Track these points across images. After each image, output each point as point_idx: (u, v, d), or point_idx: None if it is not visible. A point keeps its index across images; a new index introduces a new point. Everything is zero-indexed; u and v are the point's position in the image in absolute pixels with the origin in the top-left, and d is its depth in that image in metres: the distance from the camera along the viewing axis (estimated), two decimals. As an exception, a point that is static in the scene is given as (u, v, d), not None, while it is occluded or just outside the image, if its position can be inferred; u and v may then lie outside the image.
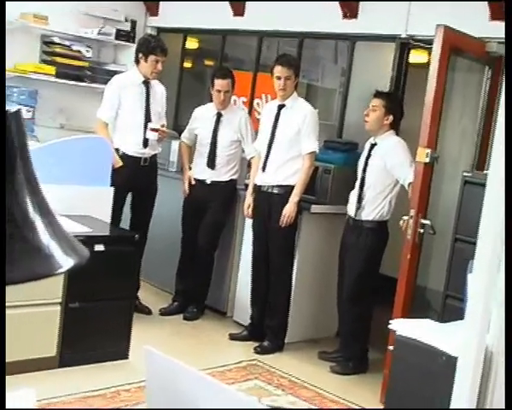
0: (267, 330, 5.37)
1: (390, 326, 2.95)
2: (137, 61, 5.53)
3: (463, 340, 2.54)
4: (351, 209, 5.06)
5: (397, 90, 5.65)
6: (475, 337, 2.54)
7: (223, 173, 5.71)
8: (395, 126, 5.10)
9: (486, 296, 2.62)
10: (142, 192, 5.63)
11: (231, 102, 5.94)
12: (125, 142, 5.49)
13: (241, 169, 5.87)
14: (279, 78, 5.19)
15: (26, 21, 6.57)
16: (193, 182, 5.72)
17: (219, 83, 5.61)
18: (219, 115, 5.70)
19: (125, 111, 5.50)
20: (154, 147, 5.61)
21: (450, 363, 2.66)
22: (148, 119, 5.51)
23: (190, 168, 5.84)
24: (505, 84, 2.39)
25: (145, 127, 5.47)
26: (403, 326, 2.92)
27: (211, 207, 5.68)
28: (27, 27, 6.64)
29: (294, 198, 5.14)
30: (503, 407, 2.60)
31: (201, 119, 5.79)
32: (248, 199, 5.44)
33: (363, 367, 5.11)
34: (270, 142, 5.26)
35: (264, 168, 5.26)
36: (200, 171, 5.74)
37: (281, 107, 5.28)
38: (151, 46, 5.48)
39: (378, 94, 5.08)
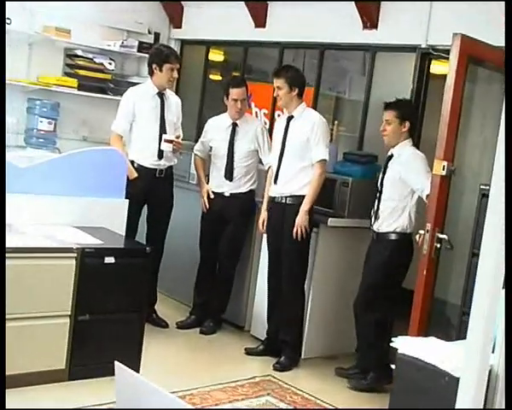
0: (282, 345, 5.28)
1: (392, 344, 2.85)
2: (151, 73, 5.50)
3: (464, 359, 2.44)
4: (372, 222, 4.97)
5: (418, 100, 5.54)
6: (477, 356, 2.43)
7: (241, 185, 5.65)
8: (412, 133, 5.00)
9: (489, 313, 2.52)
10: (158, 204, 5.59)
11: (246, 113, 5.88)
12: (140, 154, 5.46)
13: (259, 180, 5.80)
14: (274, 89, 5.20)
15: (49, 35, 6.61)
16: (211, 196, 5.67)
17: (235, 92, 5.57)
18: (235, 125, 5.65)
19: (139, 123, 5.48)
20: (170, 159, 5.57)
21: (452, 384, 2.56)
22: (162, 130, 5.48)
23: (207, 181, 5.79)
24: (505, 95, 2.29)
25: (160, 139, 5.43)
26: (406, 344, 2.82)
27: (231, 219, 5.63)
28: (50, 40, 6.68)
29: (305, 207, 5.06)
30: (503, 408, 2.49)
31: (216, 130, 5.74)
32: (263, 214, 5.37)
33: (382, 383, 4.96)
34: (280, 153, 5.20)
35: (276, 180, 5.19)
36: (217, 184, 5.68)
37: (290, 118, 5.23)
38: (164, 55, 5.47)
39: (388, 106, 4.99)
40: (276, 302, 5.34)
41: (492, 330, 2.49)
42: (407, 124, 4.91)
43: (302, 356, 5.41)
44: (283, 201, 5.17)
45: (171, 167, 5.62)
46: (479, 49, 4.48)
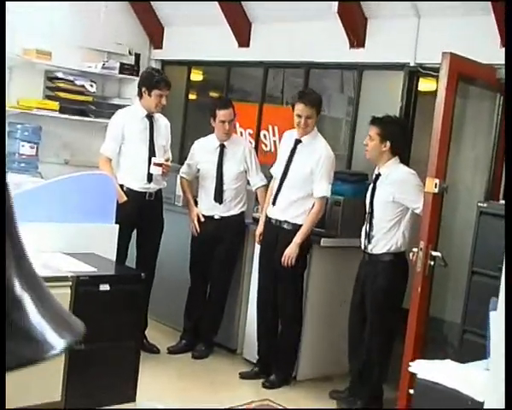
0: (274, 364, 5.24)
1: (410, 369, 2.81)
2: (140, 95, 5.43)
3: (490, 386, 2.41)
4: (363, 244, 4.91)
5: (406, 118, 5.55)
6: (501, 383, 2.40)
7: (232, 207, 5.59)
8: (398, 152, 4.92)
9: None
10: (148, 228, 5.50)
11: (233, 134, 5.81)
12: (129, 177, 5.37)
13: (248, 201, 5.75)
14: (299, 116, 5.03)
15: (30, 57, 6.51)
16: (202, 219, 5.59)
17: (223, 113, 5.51)
18: (222, 147, 5.59)
19: (128, 146, 5.39)
20: (159, 182, 5.49)
21: (475, 408, 2.52)
22: (152, 153, 5.40)
23: (196, 203, 5.72)
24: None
25: (149, 162, 5.36)
26: (424, 368, 2.78)
27: (222, 242, 5.54)
28: (30, 63, 6.58)
29: (297, 239, 5.00)
30: (503, 407, 2.46)
31: (203, 152, 5.65)
32: (261, 226, 5.30)
33: (375, 406, 4.91)
34: (282, 177, 5.13)
35: (274, 202, 5.14)
36: (207, 207, 5.60)
37: (298, 141, 5.16)
38: (155, 80, 5.39)
39: (373, 121, 4.91)
40: (267, 322, 5.30)
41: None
42: (387, 143, 4.80)
43: (297, 378, 5.36)
44: (278, 224, 5.12)
45: (160, 190, 5.55)
46: (468, 67, 4.50)
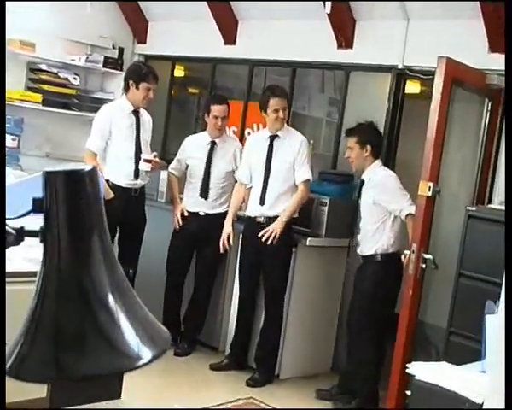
0: (257, 362, 5.29)
1: (408, 370, 2.83)
2: (127, 89, 5.37)
3: (489, 388, 2.44)
4: (356, 247, 4.99)
5: (393, 120, 5.59)
6: (502, 386, 2.43)
7: (217, 205, 5.58)
8: (378, 154, 5.01)
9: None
10: (132, 224, 5.44)
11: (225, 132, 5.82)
12: (115, 173, 5.31)
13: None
14: (277, 110, 5.10)
15: (12, 48, 6.42)
16: (186, 214, 5.57)
17: (217, 108, 5.50)
18: (213, 144, 5.58)
19: (115, 141, 5.33)
20: (144, 177, 5.45)
21: (474, 409, 2.55)
22: (138, 149, 5.36)
23: (181, 200, 5.69)
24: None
25: (136, 157, 5.32)
26: (421, 370, 2.80)
27: (207, 241, 5.52)
28: (13, 54, 6.48)
29: (284, 217, 5.05)
30: (503, 407, 2.50)
31: (194, 148, 5.65)
32: (228, 229, 5.29)
33: (370, 406, 4.93)
34: (266, 174, 5.15)
35: (262, 201, 5.14)
36: (192, 203, 5.59)
37: (273, 137, 5.18)
38: (143, 73, 5.34)
39: (348, 133, 5.07)
40: (246, 318, 5.35)
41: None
42: (368, 147, 4.93)
43: (280, 377, 5.37)
44: (266, 221, 5.12)
45: (144, 186, 5.51)
46: (461, 71, 4.55)
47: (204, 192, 5.54)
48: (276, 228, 5.02)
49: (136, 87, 5.29)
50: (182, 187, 5.76)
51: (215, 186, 5.56)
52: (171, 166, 5.74)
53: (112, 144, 5.33)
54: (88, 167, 0.80)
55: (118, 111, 5.38)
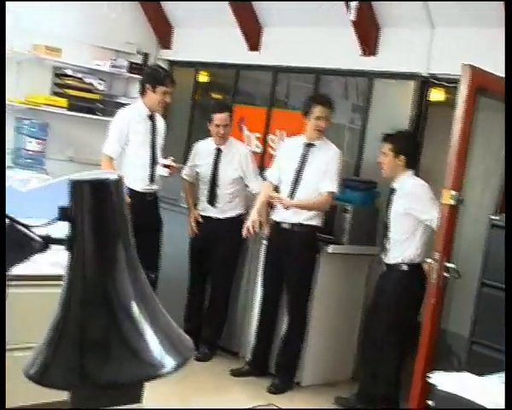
0: (278, 368, 5.29)
1: (430, 380, 2.81)
2: (143, 93, 5.36)
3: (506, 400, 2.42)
4: (382, 254, 4.97)
5: (416, 128, 5.56)
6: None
7: (227, 210, 5.60)
8: (412, 165, 4.99)
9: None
10: (149, 228, 5.45)
11: (230, 138, 5.76)
12: (131, 177, 5.25)
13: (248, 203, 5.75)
14: (319, 118, 5.09)
15: (39, 53, 6.49)
16: (200, 219, 5.60)
17: (218, 117, 5.52)
18: (219, 151, 5.60)
19: (131, 147, 5.33)
20: (158, 182, 5.48)
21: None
22: (154, 154, 5.38)
23: (195, 206, 5.73)
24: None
25: (152, 162, 5.34)
26: (444, 380, 2.78)
27: (219, 245, 5.55)
28: (39, 59, 6.55)
29: (297, 201, 5.06)
30: (503, 407, 2.47)
31: (202, 154, 5.69)
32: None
33: None
34: (295, 181, 5.15)
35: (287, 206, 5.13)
36: (204, 208, 5.65)
37: (308, 146, 5.18)
38: (160, 76, 5.34)
39: (385, 138, 5.00)
40: (268, 324, 5.35)
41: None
42: (402, 158, 4.89)
43: (301, 384, 5.37)
44: (290, 228, 5.12)
45: (157, 191, 5.53)
46: (486, 79, 4.51)
47: (210, 198, 5.57)
48: (286, 202, 5.03)
49: (153, 91, 5.28)
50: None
51: (223, 192, 5.58)
52: (185, 172, 5.77)
53: (128, 149, 5.33)
54: (113, 177, 0.81)
55: (135, 115, 5.38)
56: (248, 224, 5.19)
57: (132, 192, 5.24)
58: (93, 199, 0.81)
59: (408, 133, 5.14)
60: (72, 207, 0.83)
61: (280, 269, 5.20)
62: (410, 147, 4.99)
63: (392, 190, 4.95)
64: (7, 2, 6.10)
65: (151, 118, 5.40)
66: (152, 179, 5.38)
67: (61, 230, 0.91)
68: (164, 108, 5.47)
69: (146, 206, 5.38)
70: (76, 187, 0.83)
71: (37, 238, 0.85)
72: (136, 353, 0.77)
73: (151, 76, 5.41)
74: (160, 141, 5.49)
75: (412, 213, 4.78)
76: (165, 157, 5.42)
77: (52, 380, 0.80)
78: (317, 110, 5.10)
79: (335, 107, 5.19)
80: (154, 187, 5.43)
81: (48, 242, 0.85)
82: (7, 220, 0.83)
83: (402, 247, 4.82)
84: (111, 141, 5.33)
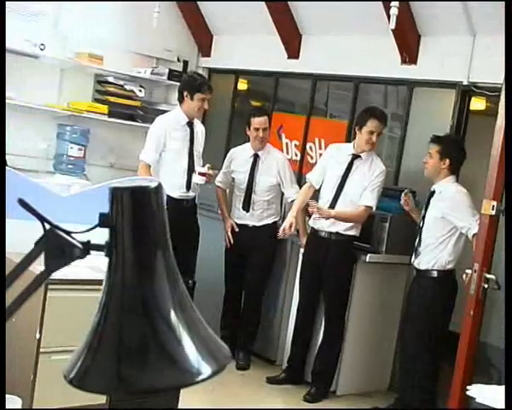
0: (314, 377, 5.29)
1: (468, 393, 2.78)
2: (181, 100, 5.41)
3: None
4: (413, 258, 4.93)
5: (457, 137, 5.51)
6: None
7: (264, 217, 5.61)
8: (455, 170, 4.96)
9: None
10: (186, 235, 5.48)
11: (268, 145, 5.78)
12: (168, 184, 5.28)
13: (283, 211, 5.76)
14: (372, 132, 5.08)
15: (81, 61, 6.59)
16: (236, 229, 5.61)
17: (257, 120, 5.54)
18: (256, 157, 5.60)
19: (169, 153, 5.37)
20: (195, 189, 5.50)
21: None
22: (191, 161, 5.41)
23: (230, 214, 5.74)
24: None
25: (189, 170, 5.36)
26: (482, 393, 2.75)
27: (254, 252, 5.56)
28: (81, 67, 6.65)
29: (333, 212, 5.02)
30: (503, 407, 2.42)
31: (239, 160, 5.69)
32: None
33: None
34: (337, 191, 5.14)
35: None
36: (238, 216, 5.65)
37: (355, 157, 5.17)
38: (197, 84, 5.38)
39: (433, 139, 4.99)
40: (304, 333, 5.35)
41: None
42: (447, 161, 4.88)
43: (336, 392, 5.34)
44: (328, 236, 5.12)
45: (195, 197, 5.56)
46: (528, 88, 4.45)
47: (246, 205, 5.57)
48: (324, 211, 5.00)
49: (191, 98, 5.33)
50: (231, 199, 5.81)
51: (259, 199, 5.58)
52: (218, 179, 5.75)
53: (166, 156, 5.38)
54: (153, 184, 0.82)
55: (173, 123, 5.43)
56: (286, 224, 5.17)
57: (169, 199, 5.29)
58: (133, 206, 0.82)
59: (456, 138, 5.14)
60: (112, 214, 0.84)
61: (317, 277, 5.20)
62: (456, 152, 4.98)
63: (432, 193, 4.92)
64: (45, 5, 6.26)
65: (189, 125, 5.43)
66: (189, 186, 5.41)
67: (101, 236, 0.92)
68: (201, 114, 5.49)
69: (183, 212, 5.41)
70: (116, 194, 0.84)
71: (78, 244, 0.87)
72: (173, 360, 0.78)
73: (188, 83, 5.46)
74: (198, 148, 5.52)
75: (449, 218, 4.77)
76: (203, 165, 5.45)
77: (91, 385, 0.82)
78: (373, 124, 5.09)
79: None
80: (191, 194, 5.45)
81: (88, 248, 0.87)
82: (47, 226, 0.84)
83: (434, 252, 4.80)
84: (148, 148, 5.38)
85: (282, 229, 5.22)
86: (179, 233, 5.33)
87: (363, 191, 5.10)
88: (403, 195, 5.13)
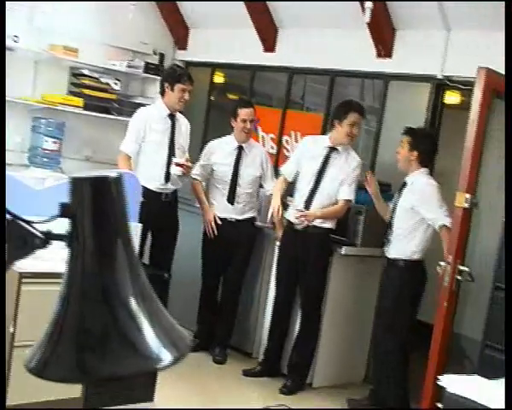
0: (290, 369, 5.30)
1: (440, 383, 2.81)
2: (163, 92, 5.41)
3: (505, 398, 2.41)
4: (384, 247, 4.99)
5: (431, 131, 5.55)
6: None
7: (246, 211, 5.59)
8: (426, 163, 4.99)
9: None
10: (165, 229, 5.47)
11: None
12: (147, 176, 5.27)
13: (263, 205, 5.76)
14: (353, 125, 5.09)
15: (56, 53, 6.54)
16: (218, 221, 5.56)
17: (245, 112, 5.50)
18: (240, 149, 5.59)
19: (149, 145, 5.35)
20: (176, 182, 5.46)
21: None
22: (172, 153, 5.37)
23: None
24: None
25: (169, 162, 5.34)
26: (453, 383, 2.78)
27: (238, 247, 5.54)
28: (56, 59, 6.60)
29: (318, 212, 5.06)
30: (503, 407, 2.46)
31: (220, 153, 5.61)
32: (276, 203, 5.14)
33: None
34: (314, 185, 5.15)
35: (307, 208, 5.13)
36: (221, 209, 5.57)
37: (332, 149, 5.18)
38: (177, 74, 5.38)
39: (406, 131, 5.03)
40: (281, 326, 5.36)
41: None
42: (415, 153, 4.91)
43: (312, 385, 5.37)
44: (304, 230, 5.13)
45: (176, 191, 5.53)
46: (501, 82, 4.48)
47: (231, 198, 5.54)
48: (310, 214, 5.03)
49: (172, 89, 5.32)
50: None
51: (243, 192, 5.56)
52: (195, 172, 5.61)
53: (146, 148, 5.35)
54: (113, 174, 0.82)
55: (154, 115, 5.42)
56: (274, 207, 5.15)
57: (147, 191, 5.26)
58: (93, 196, 0.82)
59: (427, 132, 5.16)
60: (72, 204, 0.84)
61: (293, 270, 5.21)
62: (425, 145, 4.99)
63: (404, 184, 4.96)
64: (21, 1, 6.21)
65: (171, 118, 5.42)
66: (167, 179, 5.38)
67: (63, 226, 0.92)
68: (183, 106, 5.46)
69: (162, 206, 5.39)
70: (76, 184, 0.85)
71: (39, 234, 0.87)
72: (134, 347, 0.78)
73: (169, 75, 5.46)
74: (181, 141, 5.49)
75: (418, 209, 4.82)
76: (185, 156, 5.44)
77: (51, 373, 0.82)
78: (353, 117, 5.08)
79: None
80: (170, 187, 5.43)
81: (49, 238, 0.87)
82: (8, 216, 0.84)
83: (403, 241, 4.86)
84: (128, 139, 5.37)
85: (270, 213, 5.23)
86: (158, 227, 5.38)
87: (341, 185, 5.11)
88: (365, 174, 5.16)
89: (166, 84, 5.37)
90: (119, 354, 0.76)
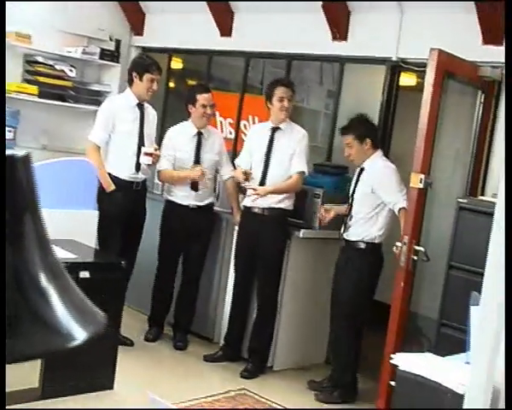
0: (250, 353, 5.32)
1: (392, 361, 2.84)
2: (131, 82, 5.37)
3: (470, 379, 2.44)
4: (342, 231, 5.00)
5: (387, 112, 5.59)
6: (484, 373, 2.44)
7: (206, 197, 5.56)
8: (378, 145, 5.03)
9: (497, 329, 2.52)
10: (134, 218, 5.43)
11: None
12: (117, 166, 5.28)
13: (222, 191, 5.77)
14: (282, 99, 5.10)
15: (9, 40, 6.42)
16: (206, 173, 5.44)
17: (204, 97, 5.46)
18: (200, 135, 5.56)
19: (118, 135, 5.31)
20: (146, 171, 5.44)
21: (455, 401, 2.56)
22: (141, 143, 5.34)
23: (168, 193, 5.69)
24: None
25: (139, 151, 5.31)
26: (405, 361, 2.81)
27: (199, 233, 5.51)
28: (9, 46, 6.47)
29: (269, 187, 5.08)
30: (503, 408, 2.50)
31: (180, 139, 5.54)
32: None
33: (351, 396, 5.00)
34: (265, 165, 5.15)
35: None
36: (182, 196, 5.52)
37: (274, 129, 5.18)
38: (146, 64, 5.36)
39: (343, 131, 5.05)
40: (240, 310, 5.37)
41: (497, 350, 2.49)
42: (368, 141, 4.93)
43: (273, 368, 5.40)
44: (261, 212, 5.14)
45: (145, 180, 5.50)
46: (454, 63, 4.55)
47: (195, 185, 5.50)
48: (261, 190, 5.04)
49: (140, 79, 5.30)
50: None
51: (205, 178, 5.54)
52: (162, 164, 5.49)
53: (115, 137, 5.32)
54: (20, 153, 0.81)
55: (122, 104, 5.38)
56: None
57: (118, 180, 5.25)
58: (-1, 174, 0.81)
59: (362, 117, 5.12)
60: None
61: (251, 254, 5.22)
62: (370, 129, 5.03)
63: (362, 170, 4.97)
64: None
65: (140, 107, 5.38)
66: (138, 168, 5.35)
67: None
68: (151, 95, 5.42)
69: (132, 195, 5.36)
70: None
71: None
72: (45, 326, 0.77)
73: (137, 64, 5.45)
74: (149, 131, 5.45)
75: (377, 193, 4.84)
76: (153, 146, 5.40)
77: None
78: (279, 91, 5.12)
79: (311, 93, 5.19)
80: (140, 176, 5.40)
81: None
82: None
83: (365, 226, 4.88)
84: (97, 128, 5.33)
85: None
86: (127, 216, 5.34)
87: (291, 160, 5.12)
88: (320, 210, 5.18)
89: (135, 74, 5.34)
90: (31, 333, 0.75)
